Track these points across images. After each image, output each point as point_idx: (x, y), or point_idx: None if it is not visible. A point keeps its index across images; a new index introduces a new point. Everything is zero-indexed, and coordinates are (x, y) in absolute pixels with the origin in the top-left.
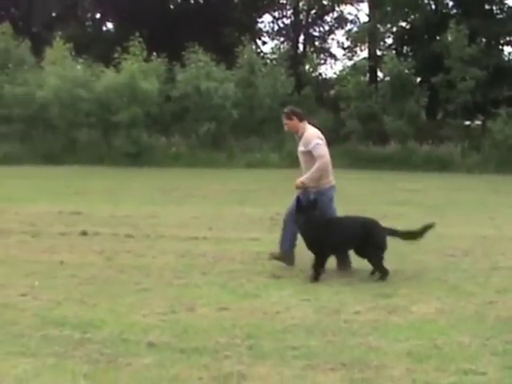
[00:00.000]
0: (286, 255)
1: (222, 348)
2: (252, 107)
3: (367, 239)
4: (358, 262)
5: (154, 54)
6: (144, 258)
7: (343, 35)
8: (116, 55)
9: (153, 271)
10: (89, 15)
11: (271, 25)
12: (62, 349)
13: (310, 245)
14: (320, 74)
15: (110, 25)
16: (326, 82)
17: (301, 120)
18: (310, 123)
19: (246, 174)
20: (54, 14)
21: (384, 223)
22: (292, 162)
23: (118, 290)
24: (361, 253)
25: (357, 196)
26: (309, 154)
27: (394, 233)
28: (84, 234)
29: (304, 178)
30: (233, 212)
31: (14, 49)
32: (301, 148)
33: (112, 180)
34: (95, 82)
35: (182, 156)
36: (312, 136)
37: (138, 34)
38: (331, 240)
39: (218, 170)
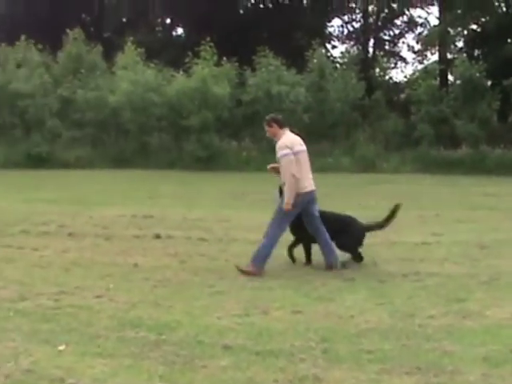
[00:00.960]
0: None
1: (297, 351)
2: (323, 111)
3: None
4: (436, 267)
5: (225, 58)
6: (217, 261)
7: (413, 38)
8: (187, 60)
9: (226, 274)
10: (159, 20)
11: (341, 29)
12: (138, 350)
13: None
14: (390, 78)
15: (180, 30)
16: (397, 86)
17: (280, 127)
18: (291, 131)
19: (317, 178)
20: (124, 20)
21: (459, 227)
22: (364, 166)
23: (193, 292)
24: None
25: (431, 200)
26: (279, 161)
27: None
28: (157, 237)
29: (286, 198)
30: None
31: (86, 54)
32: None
33: (184, 184)
34: (166, 87)
35: (253, 160)
36: (281, 145)
37: (208, 38)
38: None
39: None
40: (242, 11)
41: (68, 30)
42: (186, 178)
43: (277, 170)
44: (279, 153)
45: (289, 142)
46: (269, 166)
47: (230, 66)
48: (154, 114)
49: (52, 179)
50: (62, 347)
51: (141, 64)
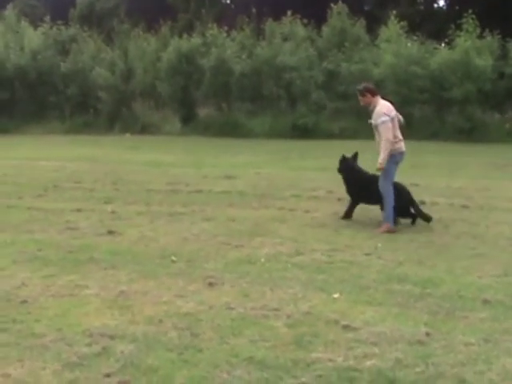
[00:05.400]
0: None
1: None
2: None
3: None
4: None
5: (487, 30)
6: (478, 226)
7: None
8: (449, 32)
9: (487, 239)
10: None
11: None
12: (404, 301)
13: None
14: None
15: (441, 2)
16: None
17: (373, 95)
18: (383, 98)
19: None
20: None
21: None
22: None
23: (455, 253)
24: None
25: None
26: (376, 127)
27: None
28: (422, 203)
29: (380, 159)
30: None
31: (350, 28)
32: (372, 121)
33: (445, 155)
34: (429, 59)
35: None
36: (379, 113)
37: (470, 10)
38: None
39: None
40: None
41: (332, 5)
42: (447, 148)
43: None
44: (378, 120)
45: (386, 109)
46: (378, 166)
47: (492, 39)
48: (417, 86)
49: (317, 149)
50: (336, 295)
51: (403, 37)
